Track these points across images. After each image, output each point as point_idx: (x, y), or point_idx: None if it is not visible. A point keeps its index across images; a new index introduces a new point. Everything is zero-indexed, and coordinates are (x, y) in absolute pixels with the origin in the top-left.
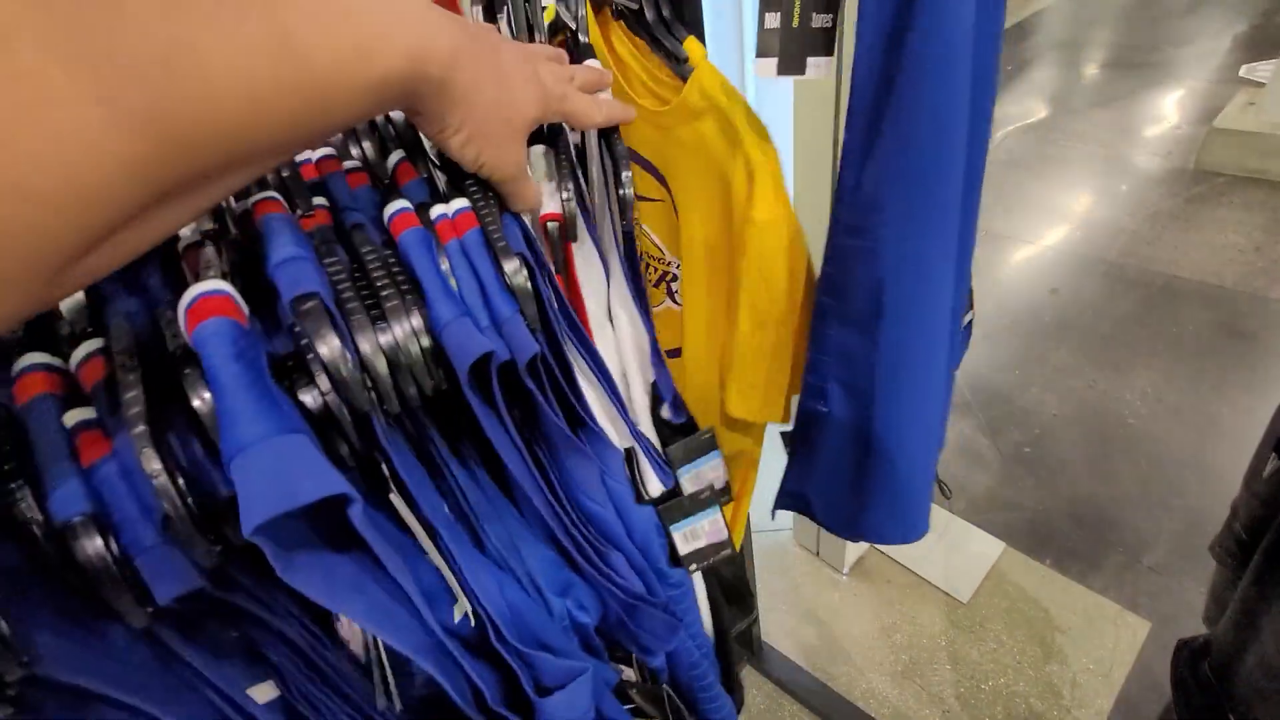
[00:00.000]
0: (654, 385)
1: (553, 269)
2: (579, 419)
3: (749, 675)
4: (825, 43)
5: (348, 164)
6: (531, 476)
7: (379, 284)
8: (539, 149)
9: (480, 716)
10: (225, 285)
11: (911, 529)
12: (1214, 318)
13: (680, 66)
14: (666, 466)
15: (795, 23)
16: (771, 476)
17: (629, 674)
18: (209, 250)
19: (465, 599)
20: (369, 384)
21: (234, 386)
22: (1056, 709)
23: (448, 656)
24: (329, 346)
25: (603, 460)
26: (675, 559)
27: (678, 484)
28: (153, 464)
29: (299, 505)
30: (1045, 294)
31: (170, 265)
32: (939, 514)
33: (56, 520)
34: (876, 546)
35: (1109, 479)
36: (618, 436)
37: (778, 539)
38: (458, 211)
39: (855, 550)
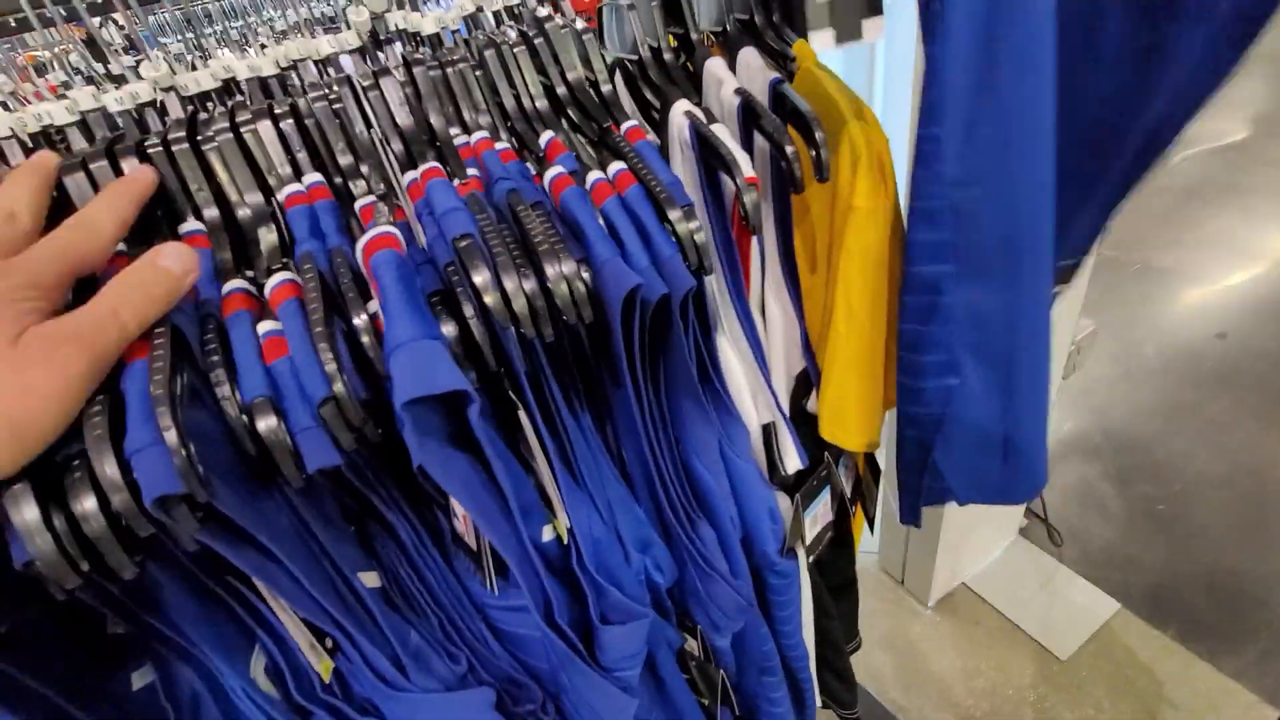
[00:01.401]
0: (803, 373)
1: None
2: (708, 378)
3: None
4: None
5: (499, 145)
6: (640, 424)
7: (531, 231)
8: (721, 127)
9: (546, 627)
10: (392, 228)
11: (1038, 481)
12: None
13: (789, 65)
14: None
15: None
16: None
17: (693, 646)
18: (381, 204)
19: (564, 518)
20: (511, 316)
21: (397, 299)
22: None
23: (529, 564)
24: (481, 277)
25: (725, 429)
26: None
27: (815, 466)
28: (327, 357)
29: (435, 392)
30: (1210, 339)
31: (344, 222)
32: (1045, 561)
33: (244, 401)
34: (969, 585)
35: (1259, 552)
36: (758, 409)
37: (861, 563)
38: (616, 173)
39: (943, 584)
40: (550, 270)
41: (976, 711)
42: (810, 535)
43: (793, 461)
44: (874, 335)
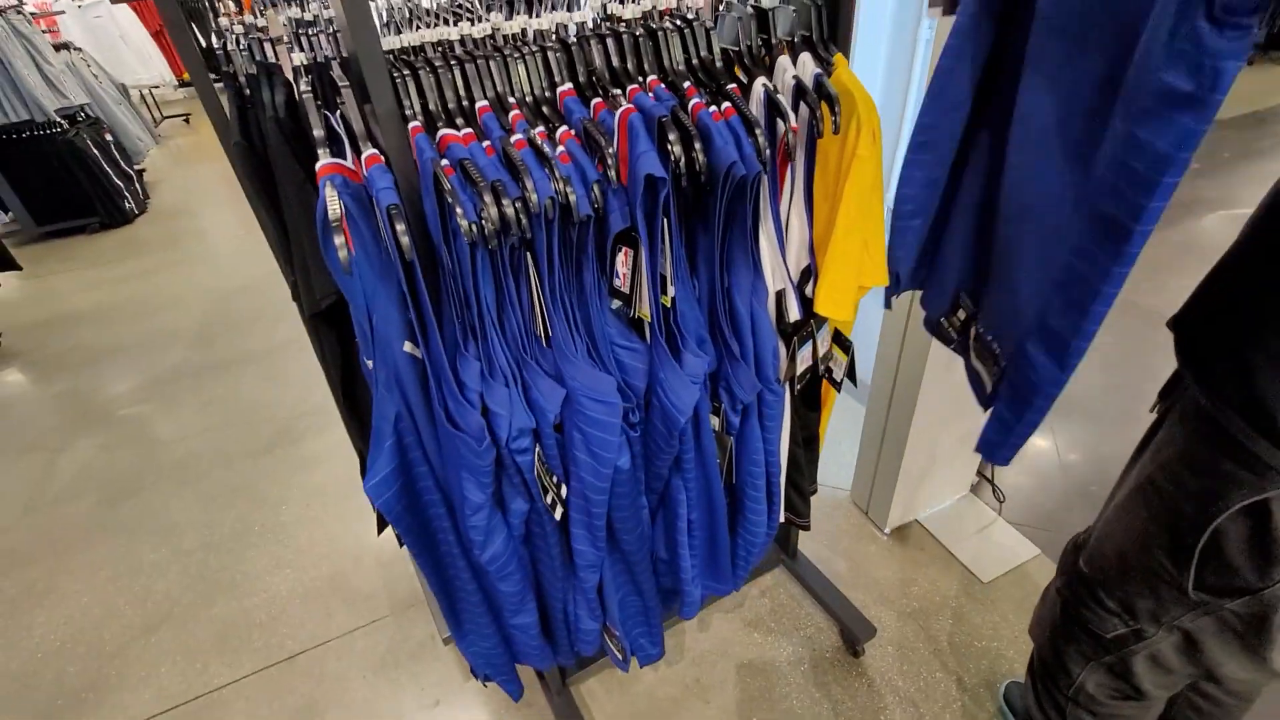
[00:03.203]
0: (807, 268)
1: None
2: (752, 242)
3: (780, 575)
4: None
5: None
6: (715, 257)
7: (682, 131)
8: (781, 97)
9: (664, 344)
10: (629, 105)
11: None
12: None
13: (829, 66)
14: (802, 303)
15: None
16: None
17: (715, 422)
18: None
19: (673, 289)
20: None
21: (644, 136)
22: None
23: (658, 309)
24: (674, 140)
25: (753, 286)
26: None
27: (808, 319)
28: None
29: (658, 174)
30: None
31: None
32: (987, 513)
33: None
34: (920, 522)
35: None
36: (774, 280)
37: (835, 495)
38: (725, 106)
39: (898, 518)
40: (698, 149)
41: (908, 607)
42: (798, 370)
43: (793, 314)
44: (859, 239)
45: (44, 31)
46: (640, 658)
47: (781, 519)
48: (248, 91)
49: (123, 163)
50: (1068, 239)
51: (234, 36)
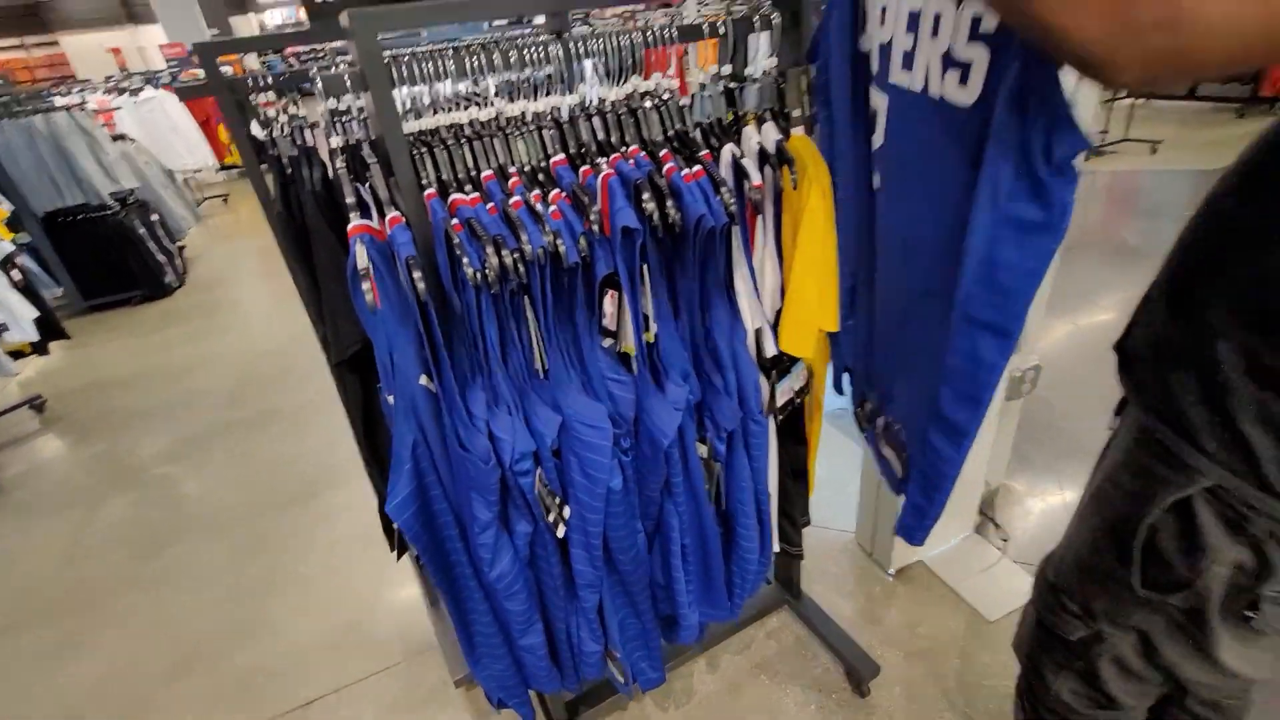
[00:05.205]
0: (780, 311)
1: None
2: (728, 287)
3: (785, 616)
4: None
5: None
6: (694, 300)
7: (655, 190)
8: (748, 160)
9: (648, 376)
10: (610, 169)
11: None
12: None
13: (789, 134)
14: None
15: None
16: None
17: (702, 450)
18: (598, 164)
19: (654, 328)
20: (653, 219)
21: (621, 196)
22: None
23: (642, 348)
24: (648, 199)
25: (731, 325)
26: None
27: (782, 355)
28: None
29: (633, 226)
30: None
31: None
32: (990, 551)
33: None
34: (924, 562)
35: None
36: (753, 319)
37: (841, 537)
38: (695, 169)
39: (902, 558)
40: (670, 205)
41: (914, 646)
42: (780, 403)
43: (770, 349)
44: (815, 283)
45: (102, 125)
46: (641, 681)
47: (776, 549)
48: (289, 170)
49: (166, 240)
50: (951, 342)
51: (280, 125)
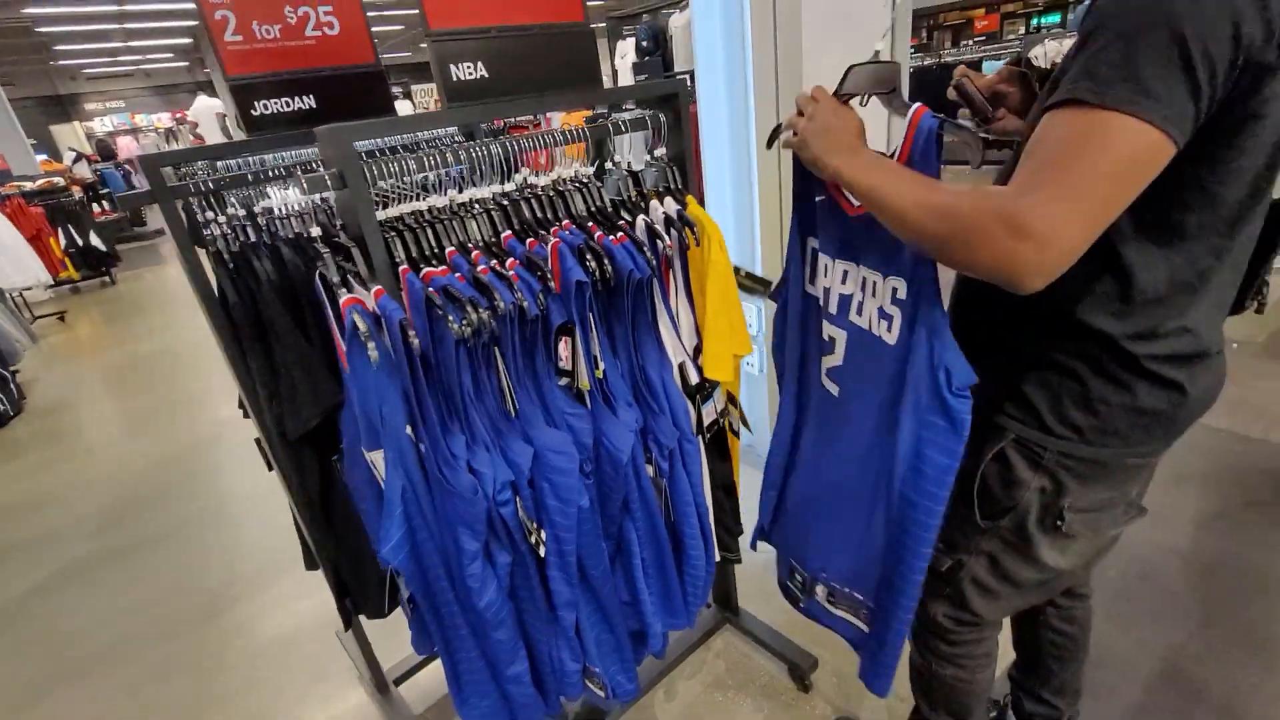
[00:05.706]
0: (698, 345)
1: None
2: (654, 327)
3: (729, 635)
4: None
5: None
6: (628, 340)
7: (594, 252)
8: (658, 226)
9: (602, 405)
10: (558, 240)
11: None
12: None
13: (686, 203)
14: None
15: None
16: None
17: (649, 469)
18: (545, 238)
19: (602, 365)
20: (595, 276)
21: (569, 256)
22: None
23: (597, 387)
24: (590, 258)
25: (660, 360)
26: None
27: (704, 382)
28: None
29: (583, 280)
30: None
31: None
32: None
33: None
34: None
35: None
36: (675, 355)
37: (767, 553)
38: (618, 235)
39: None
40: (606, 263)
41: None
42: (706, 422)
43: (693, 377)
44: (726, 320)
45: None
46: (620, 694)
47: (718, 557)
48: (231, 266)
49: None
50: (884, 527)
51: (220, 224)
